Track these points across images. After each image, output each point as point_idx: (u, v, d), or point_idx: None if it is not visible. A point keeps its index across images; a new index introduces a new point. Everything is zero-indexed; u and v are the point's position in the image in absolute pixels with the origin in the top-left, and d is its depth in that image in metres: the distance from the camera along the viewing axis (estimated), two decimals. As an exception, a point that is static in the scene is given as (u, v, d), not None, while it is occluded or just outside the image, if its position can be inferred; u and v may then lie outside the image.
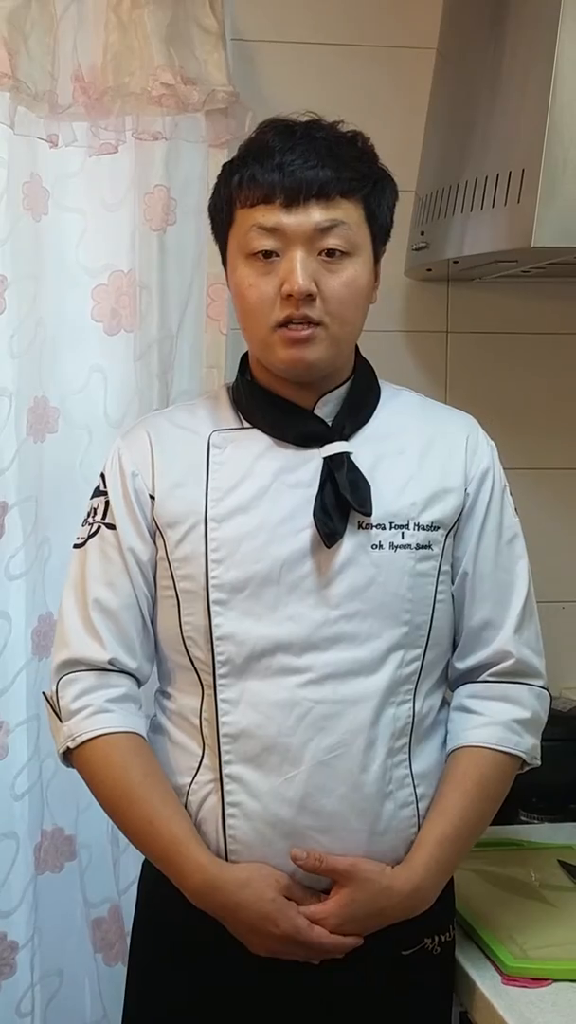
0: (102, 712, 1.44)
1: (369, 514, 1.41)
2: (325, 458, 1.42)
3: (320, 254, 1.38)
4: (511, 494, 1.53)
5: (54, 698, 1.47)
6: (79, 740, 1.43)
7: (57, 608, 1.52)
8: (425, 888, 1.39)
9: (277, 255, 1.38)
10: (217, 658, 1.41)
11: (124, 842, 1.87)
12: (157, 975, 1.49)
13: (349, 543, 1.40)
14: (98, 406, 2.00)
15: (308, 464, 1.43)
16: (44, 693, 1.50)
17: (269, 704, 1.39)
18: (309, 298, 1.37)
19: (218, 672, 1.41)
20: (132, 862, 1.90)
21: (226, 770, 1.40)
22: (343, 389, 1.47)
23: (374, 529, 1.41)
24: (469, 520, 1.48)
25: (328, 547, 1.39)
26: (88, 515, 1.51)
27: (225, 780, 1.40)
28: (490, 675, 1.49)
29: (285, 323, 1.38)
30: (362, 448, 1.44)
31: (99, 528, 1.48)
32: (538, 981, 1.45)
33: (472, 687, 1.50)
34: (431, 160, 2.07)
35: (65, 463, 1.99)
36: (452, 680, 1.52)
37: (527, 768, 1.49)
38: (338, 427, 1.45)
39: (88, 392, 2.00)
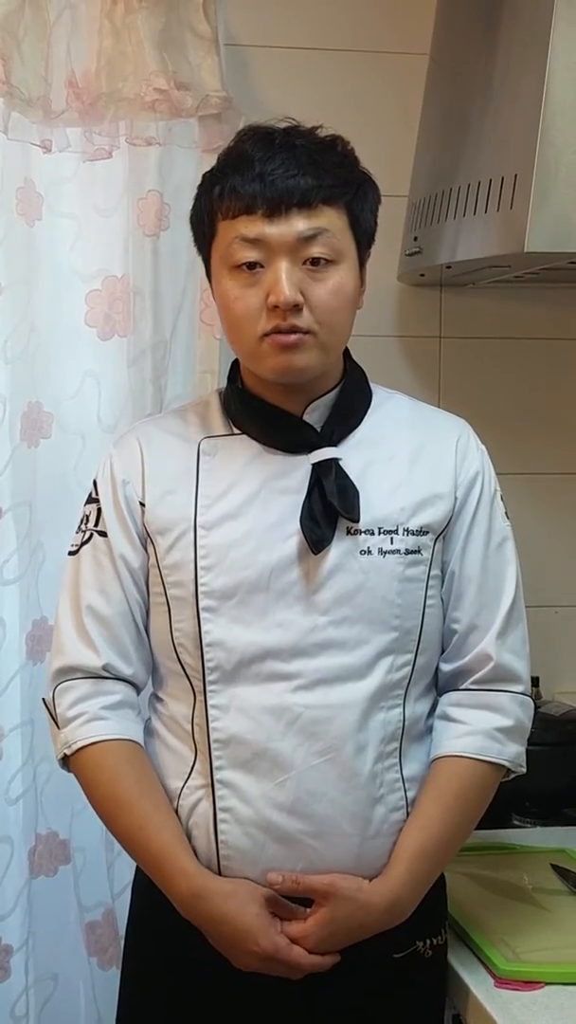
0: (97, 720, 1.44)
1: (356, 520, 1.40)
2: (313, 464, 1.42)
3: (305, 263, 1.37)
4: (503, 499, 1.52)
5: (52, 705, 1.48)
6: (74, 747, 1.44)
7: (51, 613, 1.53)
8: (403, 902, 1.39)
9: (261, 266, 1.37)
10: (207, 664, 1.41)
11: (118, 846, 1.85)
12: (151, 979, 1.49)
13: (337, 549, 1.40)
14: (92, 411, 2.00)
15: (297, 470, 1.43)
16: (44, 699, 1.51)
17: (259, 710, 1.39)
18: (296, 308, 1.36)
19: (208, 678, 1.41)
20: (126, 866, 1.90)
21: (217, 775, 1.40)
22: (332, 395, 1.47)
23: (363, 535, 1.41)
24: (457, 523, 1.47)
25: (315, 553, 1.39)
26: (81, 522, 1.51)
27: (216, 785, 1.40)
28: (472, 683, 1.47)
29: (273, 331, 1.37)
30: (351, 454, 1.44)
31: (91, 535, 1.48)
32: (530, 984, 1.45)
33: (455, 695, 1.49)
34: (424, 165, 2.07)
35: (59, 468, 1.99)
36: (440, 684, 1.52)
37: (512, 776, 1.48)
38: (327, 433, 1.45)
39: (82, 397, 2.00)
